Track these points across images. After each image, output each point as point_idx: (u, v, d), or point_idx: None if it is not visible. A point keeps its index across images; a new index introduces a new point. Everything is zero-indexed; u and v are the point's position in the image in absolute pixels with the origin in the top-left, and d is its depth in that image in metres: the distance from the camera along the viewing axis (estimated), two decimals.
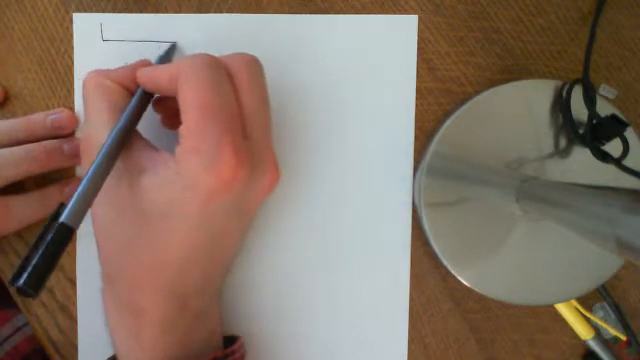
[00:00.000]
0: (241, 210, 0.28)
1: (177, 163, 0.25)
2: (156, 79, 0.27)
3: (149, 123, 0.31)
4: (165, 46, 0.33)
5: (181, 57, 0.28)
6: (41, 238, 0.22)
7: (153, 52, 0.33)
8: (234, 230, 0.29)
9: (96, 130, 0.27)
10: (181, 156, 0.25)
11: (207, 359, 0.27)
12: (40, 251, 0.21)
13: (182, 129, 0.25)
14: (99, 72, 0.29)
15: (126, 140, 0.27)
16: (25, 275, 0.21)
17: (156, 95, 0.30)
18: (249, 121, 0.27)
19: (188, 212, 0.26)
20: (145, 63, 0.30)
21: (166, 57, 0.32)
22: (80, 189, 0.24)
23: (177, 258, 0.26)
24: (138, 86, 0.29)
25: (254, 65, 0.28)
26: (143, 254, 0.26)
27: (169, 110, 0.31)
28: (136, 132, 0.28)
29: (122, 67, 0.29)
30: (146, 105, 0.29)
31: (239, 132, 0.26)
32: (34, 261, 0.21)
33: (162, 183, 0.26)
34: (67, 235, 0.22)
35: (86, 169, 0.27)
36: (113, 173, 0.26)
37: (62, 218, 0.22)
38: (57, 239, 0.22)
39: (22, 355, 0.39)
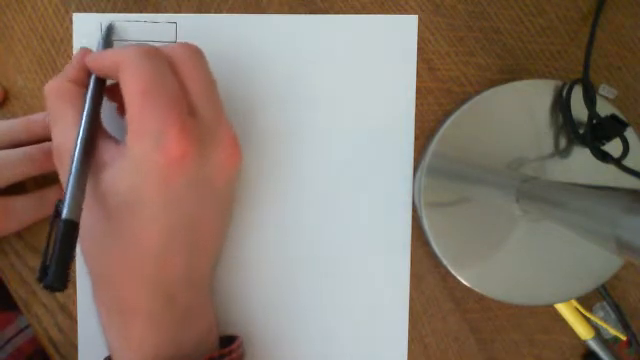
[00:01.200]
0: (207, 189, 0.28)
1: (129, 149, 0.26)
2: (102, 66, 0.28)
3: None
4: (104, 30, 0.33)
5: (121, 44, 0.29)
6: (50, 237, 0.24)
7: None
8: (210, 214, 0.29)
9: (63, 137, 0.28)
10: (129, 142, 0.26)
11: (202, 359, 0.27)
12: (56, 249, 0.24)
13: (127, 117, 0.26)
14: (57, 78, 0.29)
15: (94, 133, 0.27)
16: (51, 273, 0.23)
17: (109, 82, 0.30)
18: (195, 99, 0.27)
19: (149, 197, 0.26)
20: (86, 50, 0.30)
21: (106, 39, 0.32)
22: (70, 184, 0.25)
23: (152, 247, 0.26)
24: (87, 74, 0.29)
25: (196, 53, 0.28)
26: (117, 249, 0.27)
27: (122, 98, 0.31)
28: (100, 127, 0.29)
29: (70, 62, 0.29)
30: (102, 91, 0.29)
31: (184, 110, 0.26)
32: (54, 259, 0.24)
33: (120, 173, 0.26)
34: (74, 229, 0.24)
35: (61, 176, 0.28)
36: None
37: (64, 215, 0.24)
38: (66, 235, 0.24)
39: (25, 356, 0.39)
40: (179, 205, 0.27)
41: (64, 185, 0.27)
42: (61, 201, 0.25)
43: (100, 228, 0.27)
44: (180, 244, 0.27)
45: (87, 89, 0.29)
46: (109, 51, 0.28)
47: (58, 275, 0.23)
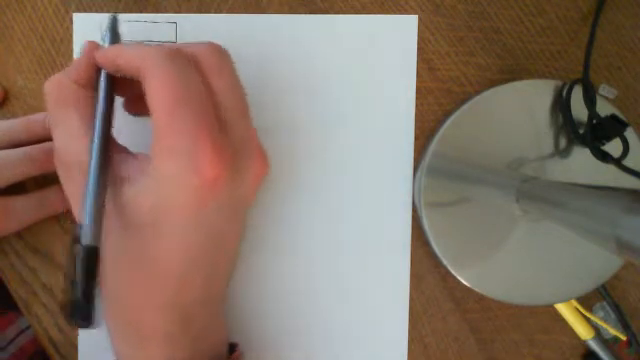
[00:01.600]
0: (235, 207, 0.27)
1: (154, 168, 0.24)
2: (115, 61, 0.25)
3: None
4: (107, 22, 0.28)
5: (139, 45, 0.25)
6: (72, 264, 0.23)
7: None
8: (232, 231, 0.28)
9: (66, 142, 0.26)
10: (157, 159, 0.24)
11: None
12: (81, 279, 0.22)
13: (154, 129, 0.23)
14: (59, 78, 0.26)
15: (108, 145, 0.25)
16: (78, 311, 0.22)
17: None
18: (223, 107, 0.25)
19: (177, 220, 0.24)
20: (94, 45, 0.27)
21: (113, 32, 0.28)
22: (88, 207, 0.23)
23: (174, 270, 0.25)
24: (98, 75, 0.27)
25: (220, 50, 0.26)
26: (136, 270, 0.25)
27: (131, 92, 0.29)
28: (112, 139, 0.26)
29: (76, 60, 0.26)
30: (114, 90, 0.27)
31: (215, 124, 0.24)
32: (81, 291, 0.22)
33: (144, 192, 0.24)
34: (95, 254, 0.23)
35: (63, 183, 0.26)
36: None
37: (86, 241, 0.23)
38: (89, 262, 0.23)
39: (27, 356, 0.39)
40: (207, 229, 0.25)
41: (68, 194, 0.26)
42: (78, 225, 0.23)
43: (117, 247, 0.25)
44: (202, 266, 0.26)
45: (98, 90, 0.26)
46: (128, 49, 0.25)
47: (87, 312, 0.22)
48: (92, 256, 0.23)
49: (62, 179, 0.27)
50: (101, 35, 0.28)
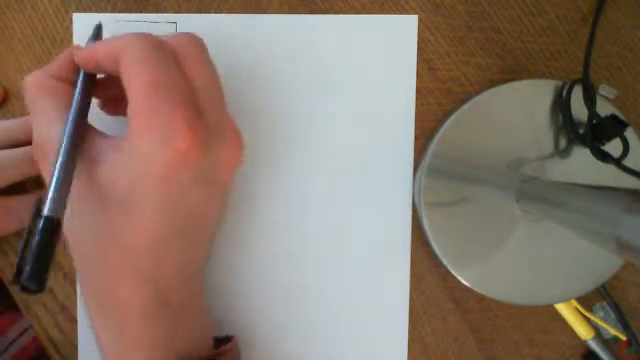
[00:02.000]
0: (209, 188, 0.27)
1: (131, 144, 0.25)
2: (95, 56, 0.26)
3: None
4: (92, 29, 0.30)
5: (116, 36, 0.27)
6: (30, 234, 0.23)
7: None
8: (208, 212, 0.28)
9: (45, 132, 0.26)
10: (133, 136, 0.25)
11: (196, 359, 0.27)
12: (35, 246, 0.22)
13: (130, 110, 0.25)
14: (38, 72, 0.28)
15: (82, 130, 0.26)
16: (27, 271, 0.22)
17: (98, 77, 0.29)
18: (200, 95, 0.26)
19: (150, 191, 0.25)
20: (75, 47, 0.28)
21: (96, 38, 0.30)
22: (54, 180, 0.24)
23: (150, 243, 0.26)
24: (77, 74, 0.28)
25: (198, 42, 0.27)
26: (114, 244, 0.26)
27: (108, 94, 0.30)
28: (87, 123, 0.27)
29: (57, 58, 0.28)
30: (91, 88, 0.28)
31: (190, 103, 0.25)
32: (32, 256, 0.22)
33: (118, 168, 0.25)
34: (56, 226, 0.23)
35: (42, 171, 0.27)
36: None
37: (46, 212, 0.23)
38: (47, 232, 0.23)
39: (29, 356, 0.39)
40: (180, 201, 0.26)
41: (46, 181, 0.26)
42: (41, 199, 0.23)
43: (94, 225, 0.26)
44: (177, 240, 0.27)
45: (76, 84, 0.27)
46: (105, 41, 0.27)
47: (35, 275, 0.22)
48: (50, 227, 0.23)
49: (40, 167, 0.27)
50: (87, 41, 0.29)
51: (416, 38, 0.34)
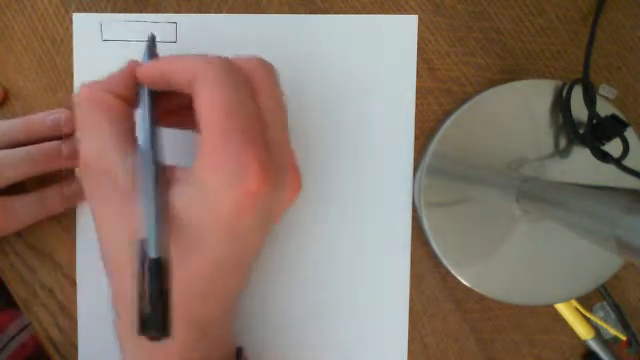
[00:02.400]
0: (266, 223, 0.27)
1: (199, 180, 0.24)
2: (166, 76, 0.26)
3: None
4: (144, 41, 0.30)
5: (192, 55, 0.26)
6: (142, 279, 0.22)
7: None
8: (256, 245, 0.28)
9: (97, 149, 0.26)
10: (203, 170, 0.24)
11: None
12: (152, 293, 0.21)
13: (202, 139, 0.24)
14: (92, 85, 0.27)
15: (158, 154, 0.25)
16: (152, 322, 0.21)
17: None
18: (268, 124, 0.25)
19: (214, 232, 0.24)
20: (135, 63, 0.27)
21: (152, 51, 0.30)
22: (151, 218, 0.23)
23: (202, 281, 0.25)
24: (134, 91, 0.27)
25: (269, 67, 0.27)
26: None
27: (164, 106, 0.29)
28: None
29: (114, 74, 0.27)
30: (154, 110, 0.27)
31: (263, 141, 0.24)
32: (153, 305, 0.21)
33: (185, 200, 0.24)
34: (166, 267, 0.22)
35: (88, 190, 0.26)
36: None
37: (153, 253, 0.22)
38: (159, 274, 0.22)
39: (29, 353, 0.40)
40: (240, 237, 0.25)
41: (93, 199, 0.25)
42: (143, 240, 0.22)
43: None
44: (227, 273, 0.26)
45: (138, 102, 0.27)
46: (178, 61, 0.25)
47: (161, 323, 0.21)
48: (161, 268, 0.22)
49: (87, 185, 0.26)
50: (142, 56, 0.28)
51: (416, 38, 0.34)
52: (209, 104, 0.24)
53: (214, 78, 0.24)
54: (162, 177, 0.25)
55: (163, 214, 0.24)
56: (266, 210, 0.26)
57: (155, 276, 0.22)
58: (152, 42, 0.29)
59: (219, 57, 0.25)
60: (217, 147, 0.23)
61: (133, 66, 0.27)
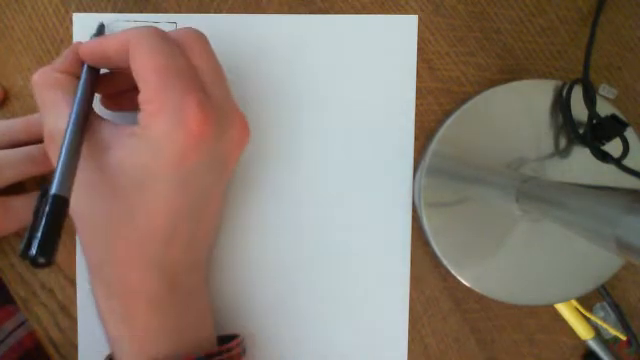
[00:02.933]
0: (217, 171, 0.28)
1: (143, 128, 0.25)
2: (103, 49, 0.27)
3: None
4: (94, 27, 0.33)
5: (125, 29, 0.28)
6: (38, 212, 0.23)
7: None
8: (214, 192, 0.29)
9: (55, 122, 0.27)
10: (146, 120, 0.25)
11: (202, 353, 0.27)
12: (44, 220, 0.22)
13: (142, 96, 0.26)
14: (44, 68, 0.29)
15: (86, 116, 0.27)
16: (36, 244, 0.22)
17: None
18: (207, 82, 0.27)
19: (163, 175, 0.26)
20: (79, 43, 0.30)
21: (99, 35, 0.32)
22: (61, 161, 0.24)
23: (161, 226, 0.26)
24: (79, 67, 0.29)
25: (200, 34, 0.28)
26: (126, 229, 0.26)
27: (109, 90, 0.31)
28: (93, 112, 0.28)
29: (62, 54, 0.29)
30: (95, 81, 0.29)
31: (199, 87, 0.26)
32: (41, 230, 0.22)
33: (131, 153, 0.26)
34: (63, 205, 0.23)
35: (53, 161, 0.27)
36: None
37: (53, 190, 0.23)
38: (56, 210, 0.23)
39: (25, 349, 0.39)
40: (191, 184, 0.27)
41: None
42: (47, 182, 0.24)
43: (104, 209, 0.26)
44: (187, 224, 0.27)
45: (81, 77, 0.29)
46: (114, 34, 0.28)
47: (45, 248, 0.22)
48: (58, 205, 0.23)
49: (51, 156, 0.28)
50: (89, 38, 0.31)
51: (416, 38, 0.34)
52: (144, 65, 0.25)
53: (145, 43, 0.26)
54: (102, 132, 0.27)
55: (74, 160, 0.25)
56: (213, 154, 0.27)
57: (50, 210, 0.22)
58: (101, 28, 0.32)
59: (148, 26, 0.27)
60: (157, 96, 0.25)
61: (77, 45, 0.29)
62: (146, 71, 0.25)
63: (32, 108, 0.34)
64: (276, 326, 0.34)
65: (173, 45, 0.26)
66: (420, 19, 0.34)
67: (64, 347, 0.34)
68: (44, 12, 0.33)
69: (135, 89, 0.26)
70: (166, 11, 0.34)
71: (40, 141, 0.32)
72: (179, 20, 0.33)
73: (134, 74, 0.26)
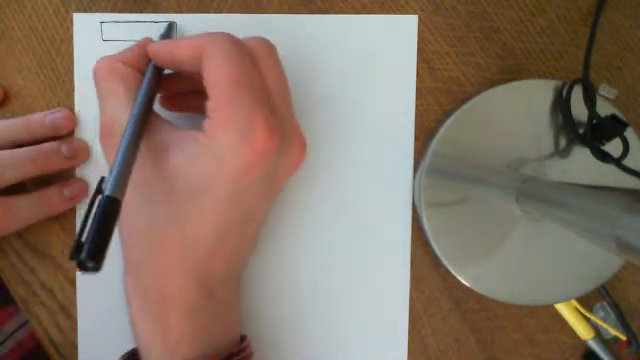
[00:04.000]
0: (270, 187, 0.28)
1: (208, 137, 0.25)
2: (175, 53, 0.27)
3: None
4: (164, 25, 0.33)
5: (197, 33, 0.28)
6: (89, 213, 0.23)
7: None
8: (261, 209, 0.29)
9: (114, 113, 0.27)
10: (213, 129, 0.25)
11: (225, 353, 0.27)
12: (95, 224, 0.22)
13: (211, 104, 0.25)
14: (108, 57, 0.28)
15: (147, 115, 0.27)
16: (86, 249, 0.21)
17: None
18: (272, 93, 0.27)
19: (221, 186, 0.25)
20: (148, 40, 0.30)
21: (167, 36, 0.32)
22: (118, 162, 0.24)
23: (208, 236, 0.26)
24: (147, 64, 0.29)
25: (270, 44, 0.28)
26: (174, 234, 0.26)
27: (170, 90, 0.31)
28: (153, 111, 0.28)
29: (129, 48, 0.29)
30: (159, 81, 0.29)
31: (268, 103, 0.26)
32: (91, 234, 0.21)
33: (192, 158, 0.25)
34: (115, 207, 0.23)
35: (108, 153, 0.27)
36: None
37: (107, 191, 0.23)
38: (107, 212, 0.22)
39: (26, 351, 0.39)
40: (244, 199, 0.26)
41: (109, 163, 0.26)
42: (104, 178, 0.23)
43: (154, 210, 0.26)
44: (231, 238, 0.27)
45: (146, 74, 0.28)
46: (187, 37, 0.27)
47: (94, 253, 0.21)
48: (111, 207, 0.22)
49: (105, 148, 0.28)
50: (157, 36, 0.31)
51: (416, 38, 0.34)
52: (216, 73, 0.25)
53: (219, 51, 0.25)
54: (162, 133, 0.27)
55: (131, 160, 0.24)
56: (272, 170, 0.27)
57: (102, 212, 0.22)
58: (169, 28, 0.32)
59: (222, 33, 0.26)
60: (226, 107, 0.25)
61: (146, 42, 0.29)
62: (218, 80, 0.25)
63: (32, 108, 0.34)
64: (276, 326, 0.34)
65: (246, 55, 0.26)
66: (420, 19, 0.34)
67: (64, 347, 0.34)
68: (44, 12, 0.33)
69: (195, 92, 0.26)
70: (166, 11, 0.34)
71: (40, 141, 0.32)
72: (179, 20, 0.33)
73: (205, 81, 0.25)
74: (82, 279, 0.34)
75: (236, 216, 0.27)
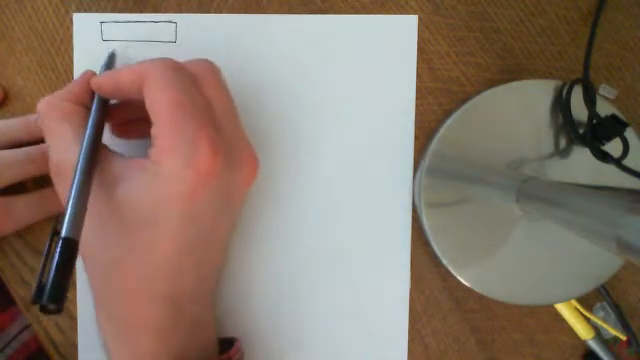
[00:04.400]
0: (225, 205, 0.28)
1: (154, 163, 0.25)
2: (117, 82, 0.27)
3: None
4: (105, 55, 0.32)
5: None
6: (48, 254, 0.23)
7: (153, 52, 0.33)
8: (221, 228, 0.29)
9: (62, 152, 0.27)
10: (158, 156, 0.25)
11: None
12: (54, 268, 0.22)
13: (154, 130, 0.25)
14: (52, 96, 0.28)
15: (97, 150, 0.27)
16: (47, 293, 0.22)
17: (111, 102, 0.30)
18: (218, 115, 0.27)
19: (172, 212, 0.25)
20: (90, 73, 0.30)
21: (109, 66, 0.32)
22: (72, 201, 0.24)
23: (168, 261, 0.26)
24: (92, 98, 0.29)
25: (216, 70, 0.28)
26: (133, 264, 0.26)
27: (119, 118, 0.31)
28: (102, 144, 0.28)
29: (72, 83, 0.29)
30: (106, 112, 0.29)
31: (212, 125, 0.26)
32: (52, 278, 0.22)
33: (140, 187, 0.25)
34: (72, 247, 0.23)
35: (61, 193, 0.27)
36: None
37: (63, 233, 0.23)
38: (64, 253, 0.23)
39: (31, 352, 0.39)
40: (198, 220, 0.26)
41: (63, 202, 0.26)
42: (58, 219, 0.24)
43: (111, 244, 0.26)
44: (193, 259, 0.27)
45: (92, 107, 0.28)
46: (128, 66, 0.28)
47: (55, 296, 0.22)
48: (69, 248, 0.23)
49: (57, 189, 0.28)
50: (99, 69, 0.31)
51: (416, 38, 0.34)
52: (158, 99, 0.25)
53: (160, 77, 0.26)
54: (112, 166, 0.27)
55: (84, 199, 0.24)
56: (224, 188, 0.27)
57: (60, 254, 0.23)
58: (111, 58, 0.32)
59: (162, 59, 0.27)
60: (169, 133, 0.25)
61: (89, 74, 0.29)
62: (159, 106, 0.25)
63: (32, 108, 0.34)
64: (276, 326, 0.34)
65: (187, 79, 0.26)
66: (420, 19, 0.34)
67: (64, 347, 0.34)
68: (44, 12, 0.33)
69: (143, 119, 0.26)
70: (166, 11, 0.34)
71: (40, 141, 0.32)
72: (179, 20, 0.33)
73: (147, 107, 0.26)
74: (82, 279, 0.33)
75: (194, 237, 0.27)
